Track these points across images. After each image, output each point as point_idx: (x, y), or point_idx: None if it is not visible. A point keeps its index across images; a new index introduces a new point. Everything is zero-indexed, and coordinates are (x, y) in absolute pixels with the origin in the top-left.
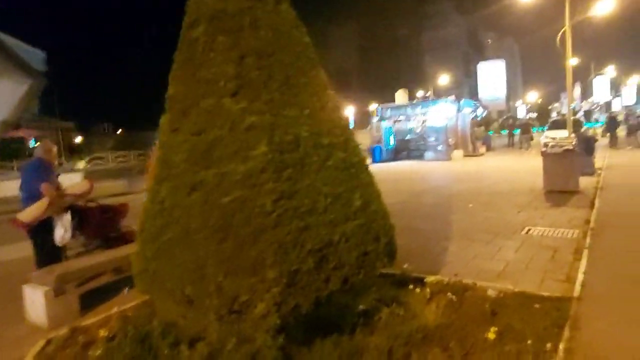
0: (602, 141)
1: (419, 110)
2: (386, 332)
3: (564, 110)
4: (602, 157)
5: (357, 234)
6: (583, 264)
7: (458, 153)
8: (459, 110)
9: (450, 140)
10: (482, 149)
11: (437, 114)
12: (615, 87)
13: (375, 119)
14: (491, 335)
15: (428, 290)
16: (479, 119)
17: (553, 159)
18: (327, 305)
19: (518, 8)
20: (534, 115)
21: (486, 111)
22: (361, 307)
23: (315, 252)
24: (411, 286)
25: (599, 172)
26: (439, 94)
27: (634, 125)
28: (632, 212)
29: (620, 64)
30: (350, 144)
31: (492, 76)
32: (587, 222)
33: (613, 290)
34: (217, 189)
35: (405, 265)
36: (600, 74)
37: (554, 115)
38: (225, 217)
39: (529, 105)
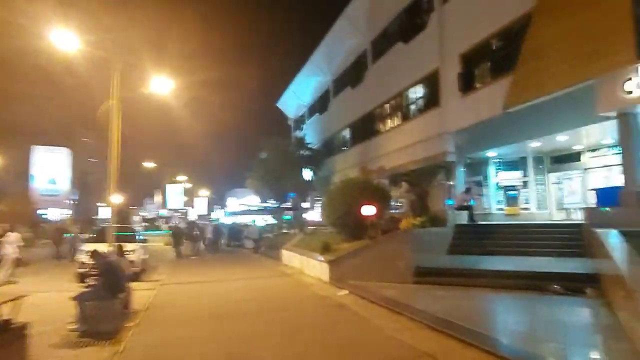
0: (171, 253)
1: None
2: None
3: (150, 215)
4: (157, 281)
5: None
6: None
7: None
8: None
9: None
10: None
11: None
12: (191, 197)
13: None
14: None
15: None
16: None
17: None
18: None
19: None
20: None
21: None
22: None
23: None
24: None
25: (133, 323)
26: None
27: (198, 235)
28: None
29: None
30: None
31: (50, 166)
32: None
33: None
34: None
35: None
36: (175, 182)
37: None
38: None
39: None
